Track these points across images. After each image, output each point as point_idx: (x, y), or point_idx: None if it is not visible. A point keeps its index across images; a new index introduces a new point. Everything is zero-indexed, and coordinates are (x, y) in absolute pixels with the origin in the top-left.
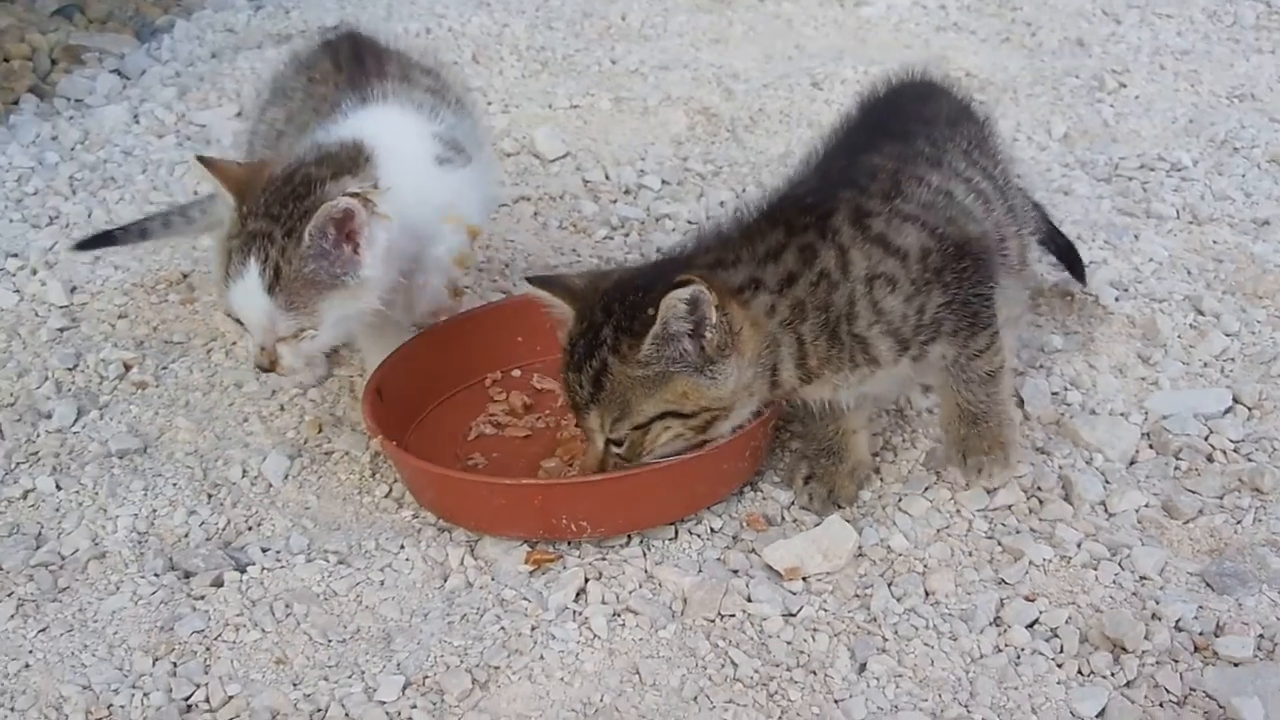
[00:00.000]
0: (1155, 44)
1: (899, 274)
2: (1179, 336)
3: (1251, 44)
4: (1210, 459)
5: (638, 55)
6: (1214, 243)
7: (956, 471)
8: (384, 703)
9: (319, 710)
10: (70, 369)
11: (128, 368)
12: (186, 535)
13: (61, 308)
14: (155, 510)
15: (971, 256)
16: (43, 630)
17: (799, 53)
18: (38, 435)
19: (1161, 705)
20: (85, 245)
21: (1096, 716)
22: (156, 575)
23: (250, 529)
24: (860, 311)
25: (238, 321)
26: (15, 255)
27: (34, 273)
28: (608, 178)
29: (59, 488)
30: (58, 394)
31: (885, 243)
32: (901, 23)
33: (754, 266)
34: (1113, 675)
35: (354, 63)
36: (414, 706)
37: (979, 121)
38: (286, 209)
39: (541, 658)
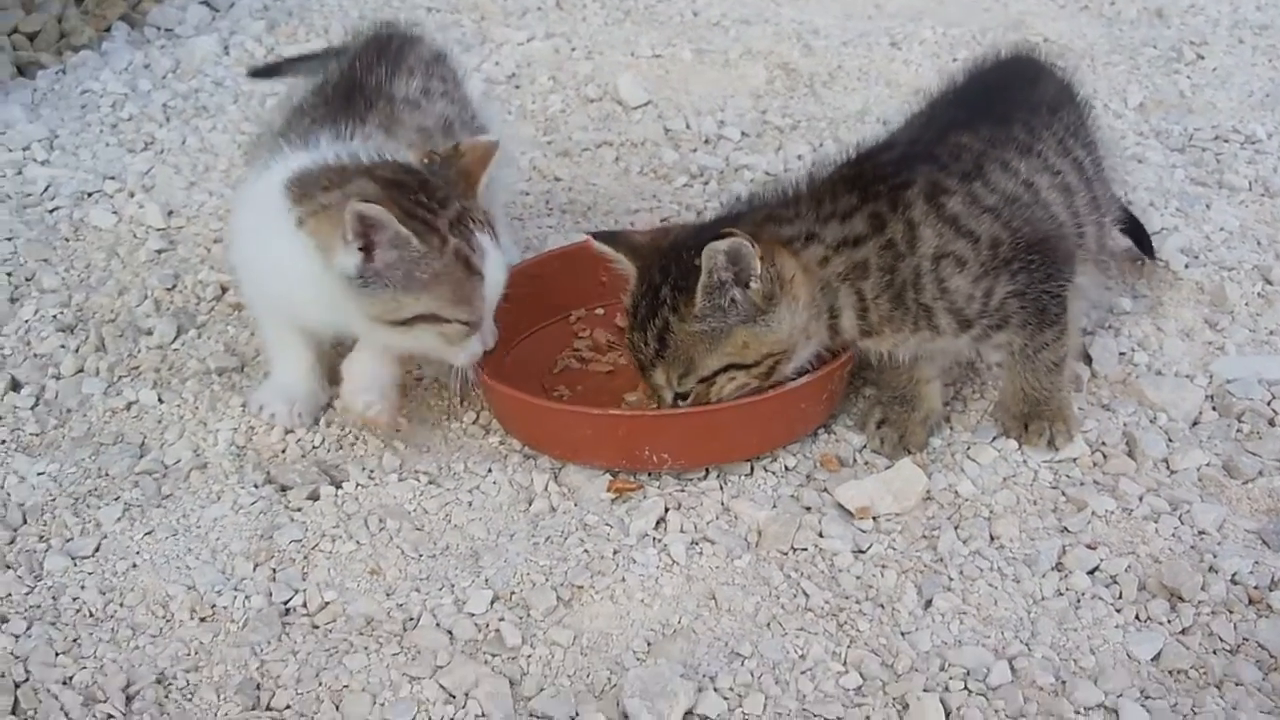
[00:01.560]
0: (1235, 17)
1: (969, 255)
2: (1246, 304)
3: None
4: (1272, 423)
5: (719, 8)
6: None
7: (1015, 441)
8: (473, 614)
9: (411, 619)
10: (169, 289)
11: (224, 290)
12: (284, 451)
13: (159, 230)
14: (253, 426)
15: (1042, 252)
16: (149, 533)
17: (878, 11)
18: (139, 350)
19: (1215, 653)
20: (260, 74)
21: (1152, 660)
22: (256, 487)
23: (343, 449)
24: (926, 284)
25: None
26: (113, 178)
27: (131, 195)
28: (688, 127)
29: (161, 401)
30: (157, 312)
31: (957, 223)
32: None
33: (813, 222)
34: (1169, 622)
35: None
36: (501, 619)
37: (1079, 106)
38: None
39: (623, 579)
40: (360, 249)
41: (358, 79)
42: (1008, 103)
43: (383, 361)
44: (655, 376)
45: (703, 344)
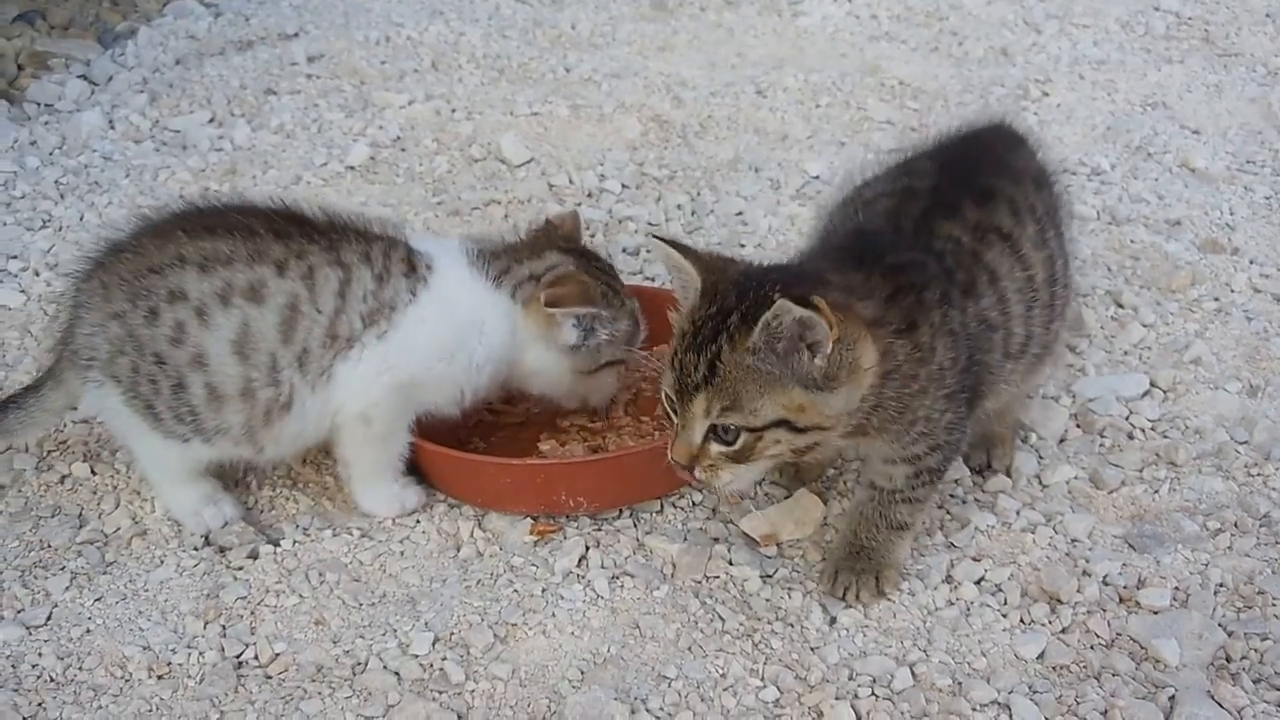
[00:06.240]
0: (1074, 54)
1: (950, 378)
2: (1102, 328)
3: (1162, 54)
4: (1131, 436)
5: (589, 64)
6: (1131, 242)
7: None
8: (417, 655)
9: (359, 664)
10: None
11: None
12: None
13: (62, 311)
14: None
15: (972, 392)
16: (98, 599)
17: (741, 61)
18: (65, 425)
19: (1093, 648)
20: None
21: (1037, 658)
22: (196, 549)
23: (275, 508)
24: (931, 394)
25: None
26: (15, 257)
27: (37, 274)
28: (571, 182)
29: (94, 473)
30: None
31: (954, 340)
32: (837, 32)
33: (880, 307)
34: (1050, 623)
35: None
36: (444, 659)
37: (1054, 190)
38: None
39: (553, 615)
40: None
41: None
42: (991, 184)
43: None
44: (695, 404)
45: (754, 383)
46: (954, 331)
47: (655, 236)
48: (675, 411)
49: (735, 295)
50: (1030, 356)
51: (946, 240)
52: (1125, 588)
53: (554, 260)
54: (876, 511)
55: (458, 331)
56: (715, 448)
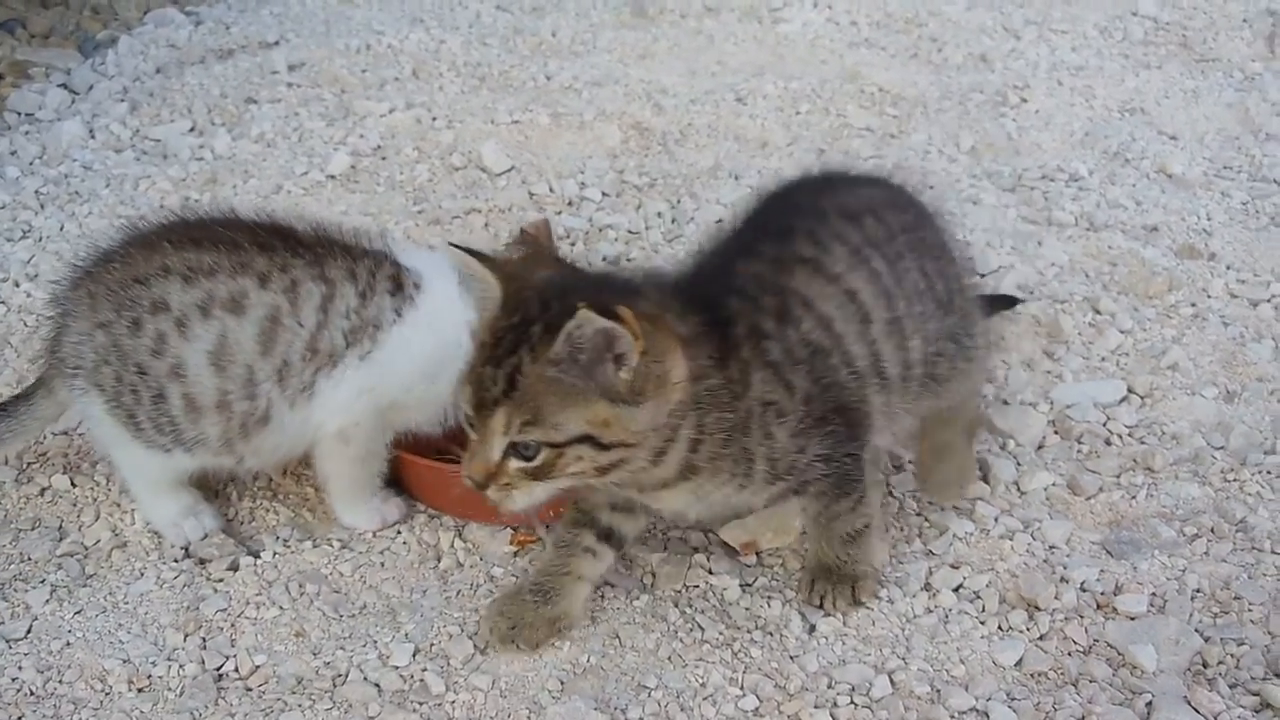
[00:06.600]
0: (1052, 60)
1: (788, 407)
2: (1079, 334)
3: (1140, 59)
4: (1108, 442)
5: (570, 71)
6: (1109, 248)
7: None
8: (397, 667)
9: (339, 675)
10: None
11: None
12: None
13: (50, 318)
14: None
15: (844, 416)
16: (78, 612)
17: (721, 68)
18: (45, 438)
19: (1070, 654)
20: None
21: (1015, 665)
22: (176, 561)
23: (255, 520)
24: (754, 429)
25: None
26: None
27: (17, 285)
28: (551, 190)
29: (74, 485)
30: None
31: (774, 369)
32: (817, 39)
33: (693, 329)
34: (1028, 630)
35: None
36: (424, 670)
37: (934, 229)
38: None
39: None
40: None
41: None
42: (791, 213)
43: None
44: (494, 420)
45: (556, 396)
46: (775, 363)
47: (452, 245)
48: (472, 427)
49: (538, 305)
50: (914, 382)
51: (748, 278)
52: (1102, 594)
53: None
54: (821, 536)
55: (444, 353)
56: (514, 464)
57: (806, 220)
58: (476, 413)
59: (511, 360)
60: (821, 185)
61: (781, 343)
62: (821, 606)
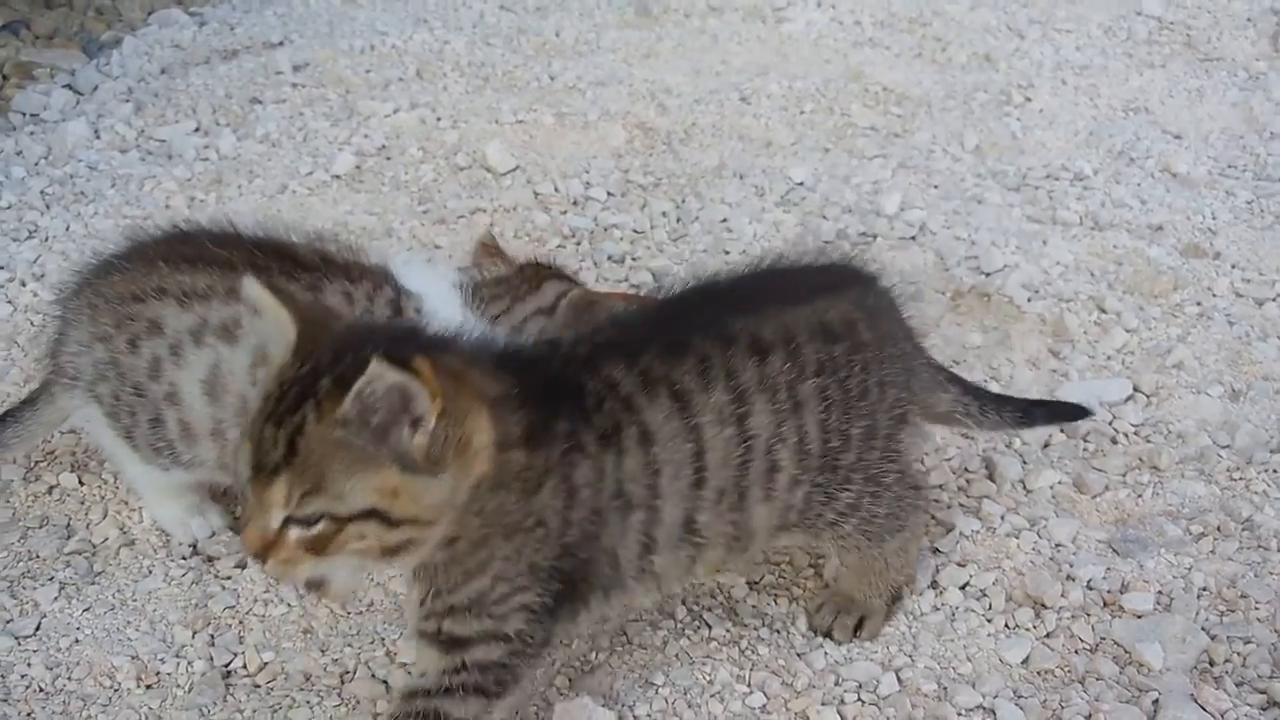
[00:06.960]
0: (1057, 59)
1: (548, 536)
2: (1085, 332)
3: (1144, 59)
4: (1114, 441)
5: (574, 71)
6: (1114, 247)
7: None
8: (405, 664)
9: (347, 672)
10: None
11: None
12: None
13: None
14: None
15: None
16: (87, 610)
17: (725, 68)
18: (53, 436)
19: (1077, 652)
20: None
21: (1021, 663)
22: (184, 559)
23: None
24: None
25: None
26: (1, 268)
27: (23, 284)
28: (556, 190)
29: (81, 483)
30: None
31: (570, 493)
32: (821, 39)
33: (506, 391)
34: (1034, 628)
35: None
36: None
37: (873, 358)
38: None
39: None
40: None
41: None
42: (700, 324)
43: None
44: (272, 490)
45: (342, 461)
46: (574, 486)
47: (249, 279)
48: (249, 492)
49: (331, 355)
50: (746, 540)
51: (603, 381)
52: (1109, 592)
53: (557, 288)
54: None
55: None
56: (295, 533)
57: (707, 342)
58: (255, 476)
59: (294, 419)
60: (755, 295)
61: (596, 473)
62: (818, 632)
